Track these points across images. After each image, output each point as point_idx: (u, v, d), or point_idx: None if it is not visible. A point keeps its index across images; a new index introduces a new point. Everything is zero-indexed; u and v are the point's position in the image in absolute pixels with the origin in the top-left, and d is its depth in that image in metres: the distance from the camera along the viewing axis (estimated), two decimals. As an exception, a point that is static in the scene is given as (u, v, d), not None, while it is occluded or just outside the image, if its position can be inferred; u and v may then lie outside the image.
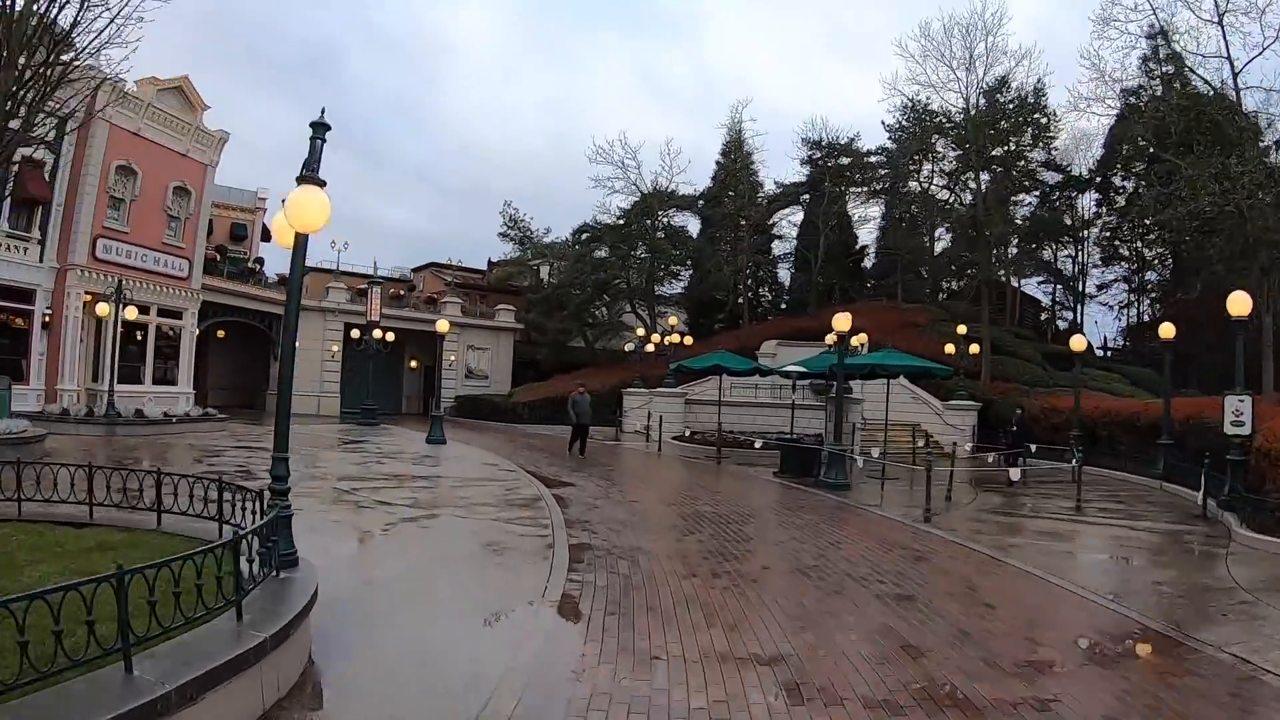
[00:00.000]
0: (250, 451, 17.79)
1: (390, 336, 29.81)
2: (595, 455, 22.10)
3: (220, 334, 33.51)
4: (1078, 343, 22.61)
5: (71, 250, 22.91)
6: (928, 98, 35.72)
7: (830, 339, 26.86)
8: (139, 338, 24.88)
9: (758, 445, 20.86)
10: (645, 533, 10.65)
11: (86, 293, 23.38)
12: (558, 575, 7.94)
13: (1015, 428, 23.42)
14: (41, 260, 22.50)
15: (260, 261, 33.13)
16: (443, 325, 23.28)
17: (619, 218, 43.51)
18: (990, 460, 19.08)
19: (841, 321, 17.65)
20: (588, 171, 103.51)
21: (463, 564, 8.64)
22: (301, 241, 6.82)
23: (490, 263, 56.07)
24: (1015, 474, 15.81)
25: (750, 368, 25.30)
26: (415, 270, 51.88)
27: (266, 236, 37.91)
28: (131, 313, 21.05)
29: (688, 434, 25.69)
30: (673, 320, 32.75)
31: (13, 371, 21.82)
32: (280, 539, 6.16)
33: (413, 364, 41.81)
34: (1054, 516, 13.44)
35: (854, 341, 25.05)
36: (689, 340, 31.30)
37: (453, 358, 39.22)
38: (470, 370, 41.17)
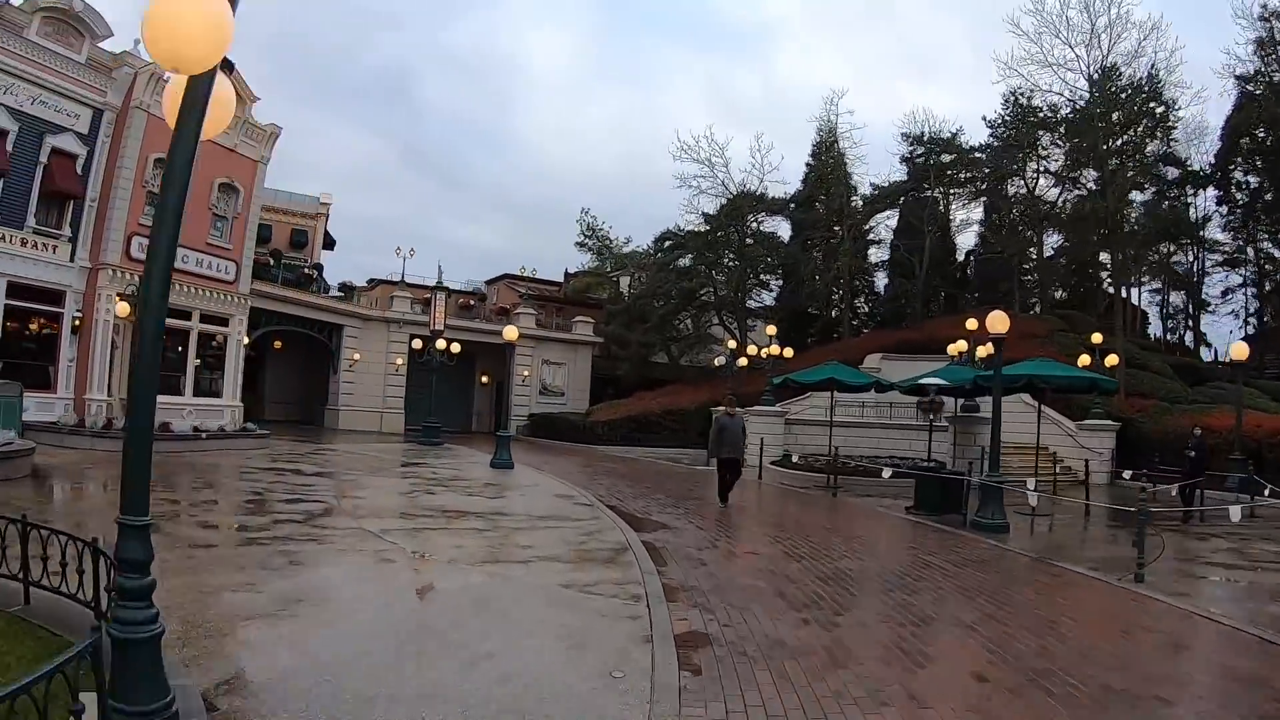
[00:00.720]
0: (276, 475, 14.85)
1: (455, 348, 26.91)
2: (688, 484, 18.57)
3: (277, 345, 31.37)
4: (1239, 350, 19.56)
5: (104, 249, 20.70)
6: (1046, 83, 31.46)
7: (953, 350, 22.89)
8: (178, 345, 22.56)
9: (887, 475, 16.88)
10: (780, 611, 6.91)
11: (119, 295, 21.14)
12: (664, 705, 4.42)
13: (1193, 452, 18.87)
14: (72, 260, 20.33)
15: (319, 268, 30.92)
16: (511, 332, 20.15)
17: (704, 223, 40.23)
18: (1149, 489, 14.71)
19: (998, 322, 13.87)
20: (660, 189, 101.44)
21: (509, 684, 5.03)
22: (198, 91, 3.54)
23: (567, 274, 53.38)
24: (1236, 513, 11.51)
25: (868, 381, 21.72)
26: (488, 282, 49.46)
27: (330, 244, 35.84)
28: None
29: (793, 458, 21.87)
30: (770, 329, 29.01)
31: (39, 379, 19.69)
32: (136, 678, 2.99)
33: (484, 379, 39.08)
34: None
35: (979, 352, 21.27)
36: (788, 353, 27.58)
37: (526, 372, 36.41)
38: (545, 386, 38.19)
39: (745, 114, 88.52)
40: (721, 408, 15.59)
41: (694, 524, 12.30)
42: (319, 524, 10.00)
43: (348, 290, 31.34)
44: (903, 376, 22.46)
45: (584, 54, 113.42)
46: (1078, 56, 30.01)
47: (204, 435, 18.43)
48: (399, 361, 32.43)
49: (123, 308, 17.73)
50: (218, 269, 23.46)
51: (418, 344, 27.23)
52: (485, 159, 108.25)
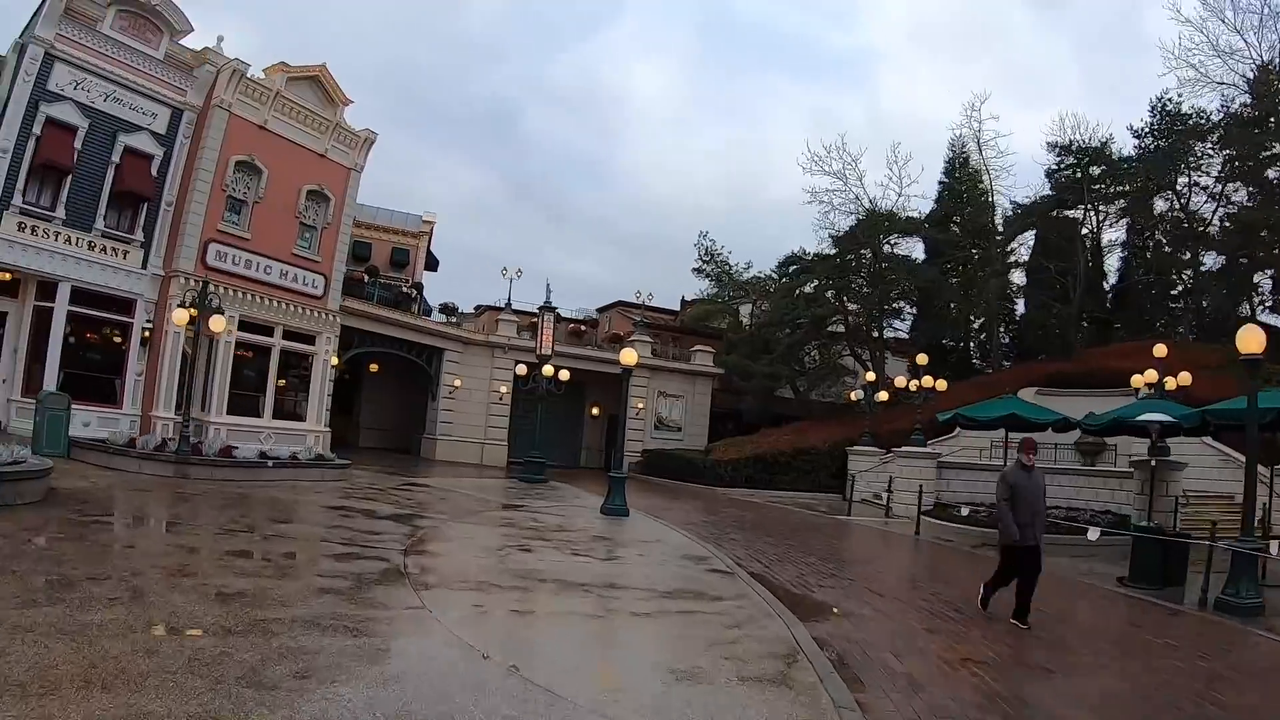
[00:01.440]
0: (341, 517, 11.86)
1: (565, 375, 23.73)
2: (838, 540, 14.79)
3: (373, 368, 29.21)
4: None
5: (177, 256, 18.72)
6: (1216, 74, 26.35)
7: (1139, 381, 18.06)
8: (259, 363, 20.36)
9: (1094, 536, 12.30)
10: None
11: (192, 306, 19.19)
12: None
13: None
14: (144, 266, 18.43)
15: (419, 288, 28.62)
16: (628, 356, 16.97)
17: (831, 246, 36.29)
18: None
19: (1251, 340, 10.34)
20: (769, 219, 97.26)
21: None
22: None
23: (684, 302, 50.00)
24: None
25: (1053, 419, 17.92)
26: (600, 310, 46.73)
27: (432, 265, 33.78)
28: (218, 324, 16.05)
29: (961, 510, 17.31)
30: (921, 358, 24.67)
31: (105, 393, 17.76)
32: None
33: (594, 411, 35.96)
34: None
35: (1168, 384, 18.07)
36: (941, 385, 23.25)
37: (640, 405, 33.08)
38: (660, 420, 34.74)
39: (849, 140, 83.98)
40: (1015, 460, 8.64)
41: (871, 605, 8.78)
42: (367, 597, 6.77)
43: (449, 312, 29.00)
44: (1067, 414, 18.26)
45: (684, 85, 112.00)
46: (1246, 44, 24.99)
47: (270, 463, 15.73)
48: (503, 389, 29.69)
49: (180, 315, 15.32)
50: (304, 282, 21.24)
51: (523, 369, 24.07)
52: (589, 191, 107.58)
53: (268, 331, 20.45)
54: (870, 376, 31.21)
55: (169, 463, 14.45)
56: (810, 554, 13.12)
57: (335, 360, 22.78)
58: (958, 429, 22.66)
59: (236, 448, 15.91)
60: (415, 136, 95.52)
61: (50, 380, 16.79)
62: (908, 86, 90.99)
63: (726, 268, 47.69)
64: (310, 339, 21.52)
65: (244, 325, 19.92)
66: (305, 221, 21.57)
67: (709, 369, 35.90)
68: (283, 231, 20.81)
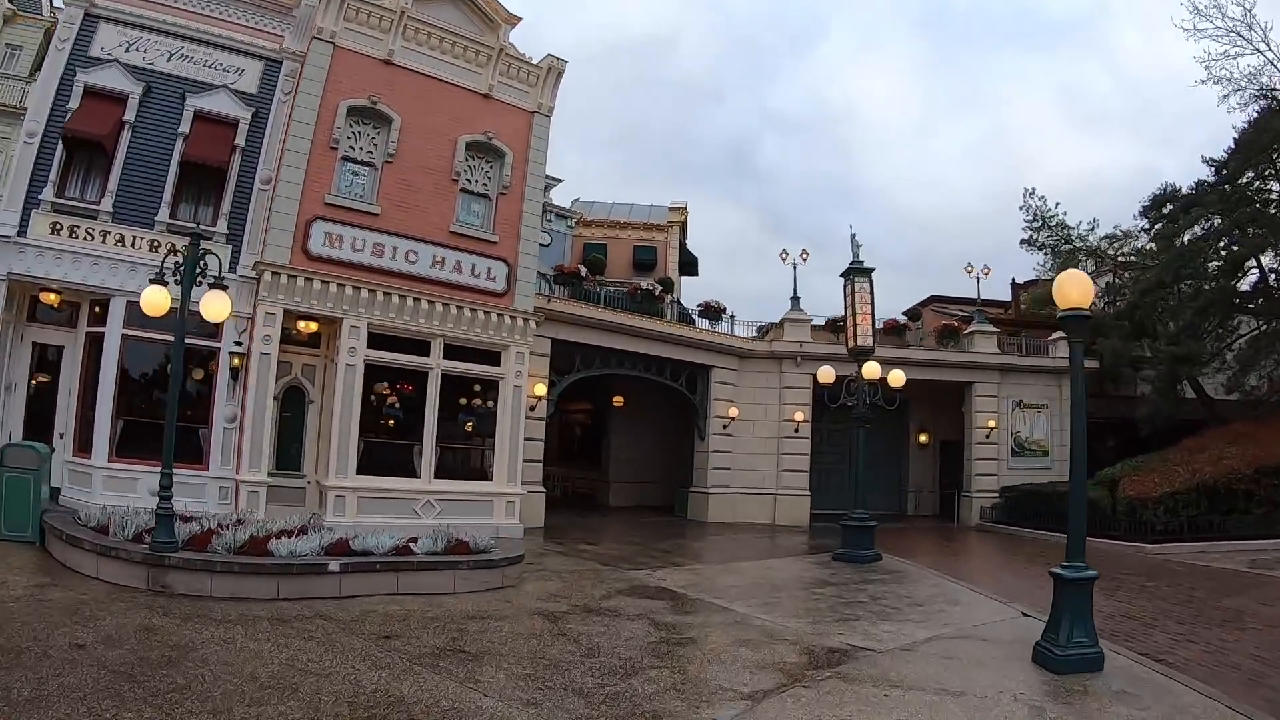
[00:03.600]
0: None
1: (898, 377, 13.62)
2: None
3: (617, 401, 21.67)
4: None
5: (266, 242, 12.65)
6: None
7: None
8: (407, 395, 13.59)
9: None
10: None
11: (297, 317, 12.99)
12: None
13: None
14: (232, 269, 12.51)
15: (668, 285, 20.54)
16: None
17: (1213, 174, 22.39)
18: None
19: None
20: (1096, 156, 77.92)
21: None
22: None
23: (1015, 286, 36.78)
24: None
25: None
26: (906, 314, 35.49)
27: (689, 266, 25.96)
28: (315, 333, 9.01)
29: None
30: None
31: (190, 449, 11.82)
32: None
33: (921, 439, 25.21)
34: None
35: None
36: None
37: (991, 423, 22.10)
38: (1020, 443, 23.10)
39: (1098, 110, 64.76)
40: None
41: None
42: None
43: (715, 314, 20.66)
44: None
45: (914, 87, 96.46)
46: None
47: (337, 566, 8.20)
48: (798, 417, 20.51)
49: (155, 296, 8.54)
50: (473, 272, 14.25)
51: (829, 374, 13.96)
52: (842, 214, 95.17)
53: (419, 349, 13.65)
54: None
55: (138, 564, 7.54)
56: None
57: (540, 389, 15.44)
58: None
59: (286, 538, 8.61)
60: (659, 192, 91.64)
61: (101, 432, 11.32)
62: (1146, 41, 68.42)
63: (1065, 232, 33.78)
64: (491, 357, 14.37)
65: (379, 341, 13.31)
66: (470, 187, 14.74)
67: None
68: (432, 202, 14.11)
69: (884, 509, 23.70)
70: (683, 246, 25.27)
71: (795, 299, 21.84)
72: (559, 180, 24.03)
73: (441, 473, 13.57)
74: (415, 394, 13.67)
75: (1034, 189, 31.80)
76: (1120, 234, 31.19)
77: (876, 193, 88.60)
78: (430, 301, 13.60)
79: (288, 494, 13.39)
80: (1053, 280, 25.44)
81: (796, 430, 20.66)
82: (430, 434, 13.41)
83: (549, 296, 15.90)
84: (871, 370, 12.74)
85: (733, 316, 20.80)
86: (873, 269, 14.37)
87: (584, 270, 17.21)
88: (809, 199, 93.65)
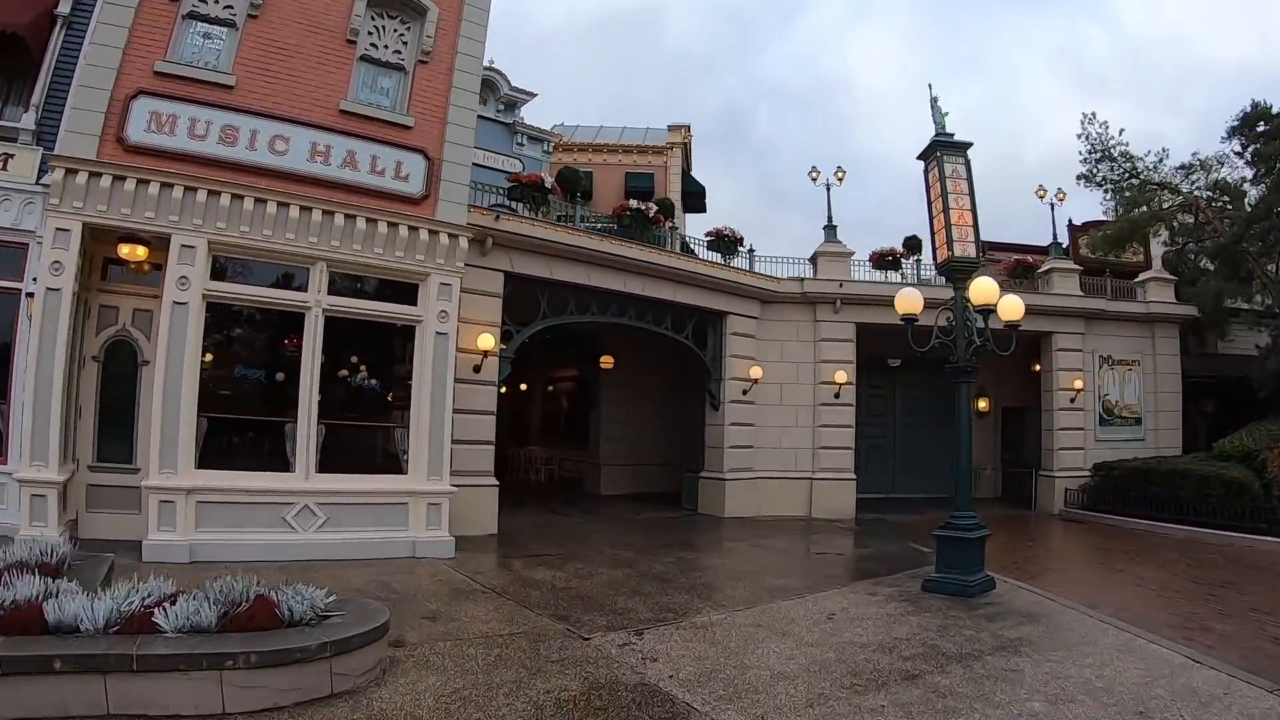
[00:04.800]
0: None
1: (1013, 307, 8.54)
2: None
3: (606, 362, 17.00)
4: None
5: (64, 129, 8.18)
6: None
7: None
8: (275, 349, 9.15)
9: None
10: None
11: (118, 238, 8.60)
12: None
13: None
14: (39, 178, 8.07)
15: (666, 209, 15.55)
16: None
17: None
18: None
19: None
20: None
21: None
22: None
23: (1073, 228, 31.50)
24: None
25: None
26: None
27: (695, 200, 21.23)
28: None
29: None
30: None
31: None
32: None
33: (980, 405, 20.47)
34: None
35: None
36: None
37: (1076, 383, 17.48)
38: (1109, 409, 18.46)
39: (1100, 76, 60.12)
40: None
41: None
42: None
43: (727, 246, 15.70)
44: None
45: (909, 52, 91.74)
46: None
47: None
48: (840, 378, 15.86)
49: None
50: (375, 167, 9.65)
51: (912, 301, 8.58)
52: (845, 188, 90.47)
53: (289, 279, 9.16)
54: None
55: None
56: None
57: (487, 341, 10.86)
58: None
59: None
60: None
61: None
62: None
63: (1131, 164, 28.41)
64: (403, 292, 9.80)
65: (228, 268, 8.85)
66: (375, 55, 10.11)
67: (1176, 310, 18.84)
68: (315, 70, 9.51)
69: (936, 491, 19.29)
70: (686, 175, 20.58)
71: (831, 228, 17.14)
72: (530, 95, 19.34)
73: (329, 464, 9.07)
74: (287, 347, 9.16)
75: (1093, 114, 26.47)
76: (1197, 163, 26.09)
77: (878, 161, 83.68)
78: (306, 209, 9.06)
79: (115, 496, 9.01)
80: (1117, 221, 19.87)
81: (837, 395, 16.06)
82: (308, 407, 8.90)
83: (498, 213, 11.26)
84: (986, 291, 8.08)
85: (751, 251, 16.10)
86: (969, 144, 9.63)
87: (550, 181, 12.49)
88: (806, 167, 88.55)
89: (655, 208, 13.95)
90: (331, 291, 9.26)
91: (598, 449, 17.84)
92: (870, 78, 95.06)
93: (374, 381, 9.71)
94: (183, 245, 8.59)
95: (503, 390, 24.41)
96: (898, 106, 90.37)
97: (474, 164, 11.29)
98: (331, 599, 5.29)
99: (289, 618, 4.97)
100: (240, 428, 9.05)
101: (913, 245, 17.65)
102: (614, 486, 17.51)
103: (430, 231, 9.61)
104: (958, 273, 9.09)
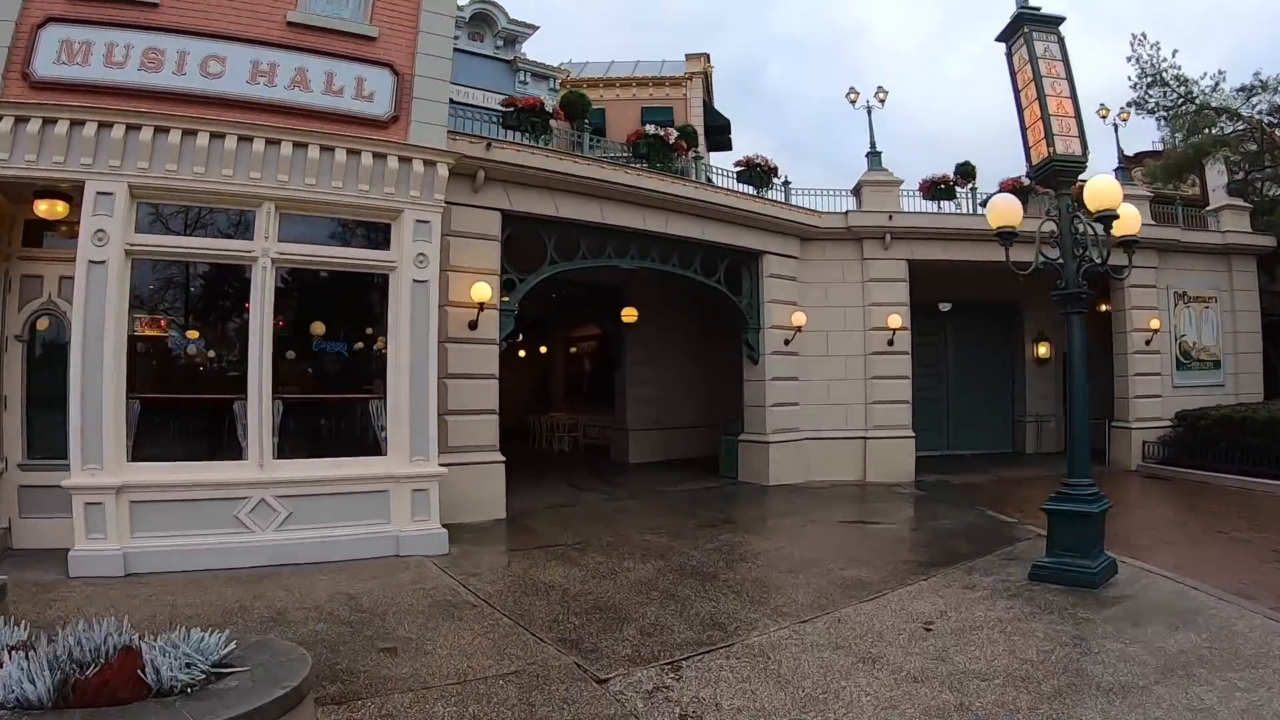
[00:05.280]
0: None
1: (1132, 218, 6.40)
2: None
3: (629, 315, 15.17)
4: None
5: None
6: None
7: None
8: (220, 307, 7.57)
9: None
10: None
11: (34, 193, 7.04)
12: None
13: None
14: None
15: (687, 135, 13.51)
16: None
17: None
18: None
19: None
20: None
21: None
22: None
23: (1123, 159, 28.65)
24: None
25: None
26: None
27: (719, 135, 19.19)
28: None
29: None
30: None
31: None
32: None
33: (1040, 351, 18.36)
34: None
35: None
36: None
37: (1153, 323, 15.40)
38: (1186, 352, 16.37)
39: (1112, 15, 54.90)
40: None
41: None
42: None
43: (760, 177, 13.62)
44: None
45: (920, 5, 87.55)
46: None
47: None
48: (894, 322, 13.91)
49: None
50: (332, 85, 7.88)
51: (1010, 210, 6.36)
52: (855, 137, 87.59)
53: (232, 225, 7.50)
54: None
55: None
56: None
57: (482, 291, 9.13)
58: None
59: None
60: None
61: None
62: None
63: (1185, 88, 25.23)
64: (372, 235, 8.08)
65: (158, 217, 7.24)
66: (324, -50, 8.29)
67: (1254, 241, 16.76)
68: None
69: (993, 446, 17.65)
70: (709, 108, 18.52)
71: (875, 154, 15.07)
72: (532, 28, 17.40)
73: (289, 448, 7.47)
74: (230, 307, 7.56)
75: (1143, 34, 23.55)
76: (1259, 84, 23.14)
77: (892, 116, 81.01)
78: (246, 139, 7.35)
79: (52, 499, 7.44)
80: (1177, 148, 17.10)
81: (891, 342, 14.17)
82: (260, 380, 7.28)
83: (489, 141, 9.46)
84: (1105, 193, 6.16)
85: (786, 183, 14.12)
86: (1061, 18, 7.59)
87: (552, 105, 10.56)
88: (822, 123, 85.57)
89: (676, 133, 12.02)
90: (284, 238, 7.58)
91: (624, 413, 16.13)
92: (884, 28, 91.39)
93: (341, 345, 8.05)
94: (98, 193, 6.97)
95: (521, 355, 23.04)
96: (913, 57, 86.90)
97: (472, 104, 9.59)
98: (230, 646, 3.68)
99: (157, 683, 3.37)
100: (181, 409, 7.51)
101: (967, 172, 15.56)
102: (643, 453, 15.84)
103: (401, 159, 7.85)
104: (1060, 174, 7.15)
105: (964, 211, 15.17)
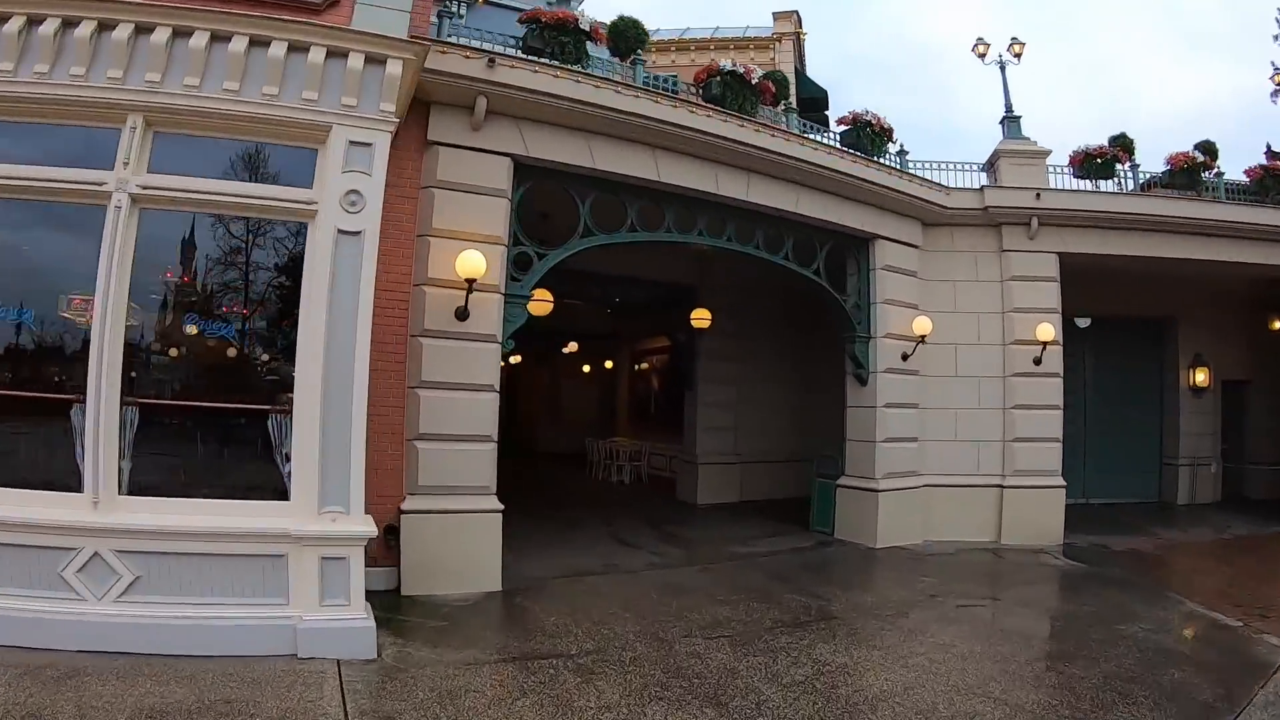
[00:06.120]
0: None
1: None
2: None
3: (701, 318, 12.04)
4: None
5: None
6: None
7: None
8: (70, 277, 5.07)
9: None
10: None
11: None
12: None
13: None
14: None
15: (777, 81, 10.41)
16: None
17: None
18: None
19: None
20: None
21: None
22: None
23: (1270, 154, 23.45)
24: None
25: None
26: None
27: (814, 107, 16.12)
28: None
29: None
30: None
31: None
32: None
33: (1197, 378, 14.18)
34: None
35: None
36: None
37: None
38: None
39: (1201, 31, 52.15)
40: None
41: None
42: None
43: (871, 136, 10.43)
44: None
45: (996, 20, 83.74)
46: None
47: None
48: (1042, 333, 10.47)
49: None
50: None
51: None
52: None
53: (83, 144, 5.03)
54: None
55: None
56: None
57: (473, 265, 6.39)
58: None
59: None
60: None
61: None
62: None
63: None
64: (294, 165, 5.41)
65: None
66: None
67: None
68: None
69: (1136, 494, 13.82)
70: (801, 76, 15.51)
71: (1012, 119, 11.73)
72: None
73: (143, 481, 4.89)
74: (74, 269, 5.06)
75: None
76: None
77: (973, 137, 77.11)
78: (107, 26, 4.89)
79: None
80: None
81: (1038, 361, 10.74)
82: (102, 376, 4.72)
83: (492, 56, 6.78)
84: None
85: (902, 152, 10.95)
86: None
87: (589, 23, 7.85)
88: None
89: (761, 73, 9.09)
90: (158, 169, 5.05)
91: (693, 442, 13.08)
92: (956, 46, 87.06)
93: (231, 327, 5.41)
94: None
95: (585, 369, 20.31)
96: (990, 73, 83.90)
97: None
98: None
99: None
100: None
101: (1126, 145, 12.00)
102: (714, 493, 12.73)
103: (331, 51, 5.20)
104: None
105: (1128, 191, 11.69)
